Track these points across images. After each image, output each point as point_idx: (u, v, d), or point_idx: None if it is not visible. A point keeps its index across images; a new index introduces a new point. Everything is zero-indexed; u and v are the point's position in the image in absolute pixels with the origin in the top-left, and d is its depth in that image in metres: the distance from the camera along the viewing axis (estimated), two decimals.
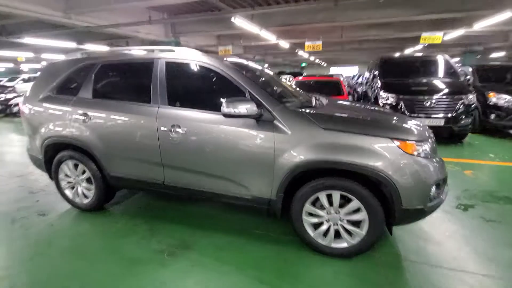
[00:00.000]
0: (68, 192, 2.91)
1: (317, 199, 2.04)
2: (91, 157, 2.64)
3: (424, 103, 5.08)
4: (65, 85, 2.77)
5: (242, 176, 2.20)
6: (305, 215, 2.11)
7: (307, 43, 9.96)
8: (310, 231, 2.13)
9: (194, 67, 2.37)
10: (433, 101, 5.04)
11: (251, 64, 3.02)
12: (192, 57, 2.37)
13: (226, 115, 2.00)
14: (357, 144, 1.90)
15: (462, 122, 5.05)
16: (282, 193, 2.08)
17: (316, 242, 2.13)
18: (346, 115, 2.28)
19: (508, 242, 2.29)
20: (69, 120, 2.63)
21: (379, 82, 6.02)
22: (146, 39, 8.71)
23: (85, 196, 2.86)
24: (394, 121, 2.25)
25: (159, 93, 2.37)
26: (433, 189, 1.95)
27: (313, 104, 2.51)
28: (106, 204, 3.00)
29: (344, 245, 2.09)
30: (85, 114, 2.58)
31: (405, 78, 5.81)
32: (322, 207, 2.07)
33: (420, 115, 5.10)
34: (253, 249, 2.25)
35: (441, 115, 5.04)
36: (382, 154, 1.86)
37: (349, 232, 2.06)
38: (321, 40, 9.80)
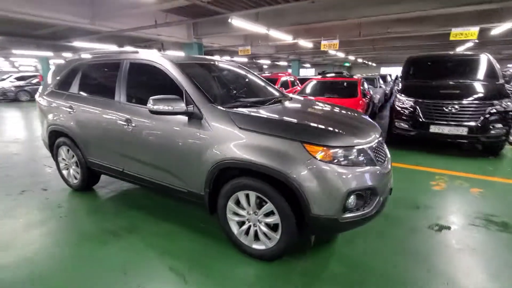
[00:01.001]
0: (64, 173, 3.43)
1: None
2: (76, 144, 3.08)
3: (444, 108, 4.47)
4: (62, 82, 3.27)
5: (179, 170, 2.33)
6: (229, 213, 2.14)
7: (323, 42, 9.49)
8: (234, 229, 2.16)
9: (148, 67, 2.57)
10: (456, 106, 4.40)
11: (222, 64, 3.12)
12: (149, 58, 2.57)
13: (152, 112, 2.14)
14: (268, 146, 1.86)
15: (493, 132, 4.30)
16: (208, 188, 2.15)
17: (240, 241, 2.15)
18: (266, 116, 2.09)
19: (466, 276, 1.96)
20: (62, 111, 3.11)
21: (400, 84, 5.50)
22: (168, 41, 9.17)
23: (75, 178, 3.33)
24: (321, 125, 2.01)
25: (120, 90, 2.66)
26: (351, 199, 1.81)
27: (267, 104, 2.49)
28: (95, 186, 3.46)
29: (263, 247, 2.06)
30: (71, 107, 3.02)
31: (430, 80, 5.18)
32: (244, 207, 2.08)
33: (439, 122, 4.51)
34: (185, 240, 2.37)
35: (464, 123, 4.38)
36: (290, 156, 1.79)
37: (266, 235, 2.03)
38: (338, 39, 9.23)
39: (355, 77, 7.01)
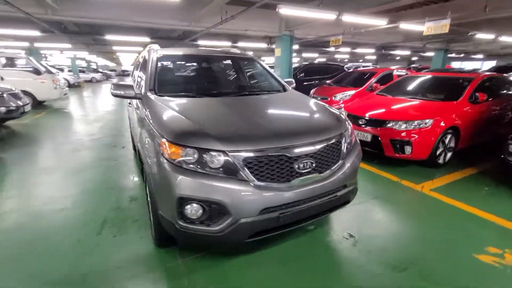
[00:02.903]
0: None
1: None
2: None
3: None
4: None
5: None
6: None
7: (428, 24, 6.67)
8: None
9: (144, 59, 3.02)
10: None
11: (207, 55, 3.35)
12: (148, 51, 3.06)
13: (113, 95, 2.43)
14: (147, 132, 2.08)
15: None
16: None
17: None
18: (166, 106, 2.14)
19: None
20: None
21: None
22: (256, 35, 8.90)
23: None
24: (208, 123, 1.88)
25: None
26: (190, 207, 1.64)
27: (222, 96, 2.64)
28: None
29: None
30: None
31: None
32: None
33: None
34: None
35: None
36: (153, 146, 1.89)
37: None
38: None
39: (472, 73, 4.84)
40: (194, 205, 1.65)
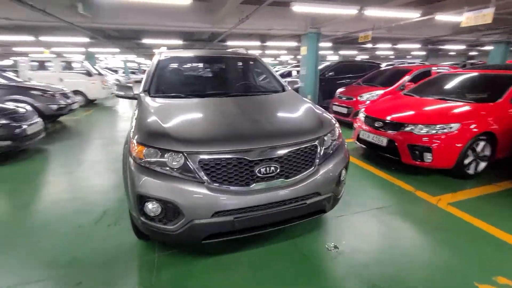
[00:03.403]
0: None
1: None
2: None
3: None
4: None
5: None
6: None
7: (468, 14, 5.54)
8: None
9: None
10: None
11: (210, 56, 3.45)
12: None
13: (115, 95, 2.63)
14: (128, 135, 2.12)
15: None
16: None
17: None
18: (153, 105, 2.30)
19: None
20: None
21: None
22: (280, 34, 8.68)
23: None
24: (175, 122, 1.94)
25: None
26: (150, 205, 1.72)
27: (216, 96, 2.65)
28: None
29: None
30: None
31: None
32: None
33: None
34: None
35: None
36: (128, 149, 1.95)
37: None
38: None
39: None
40: (153, 203, 1.70)
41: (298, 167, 1.88)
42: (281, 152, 1.81)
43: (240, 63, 3.54)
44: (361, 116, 4.40)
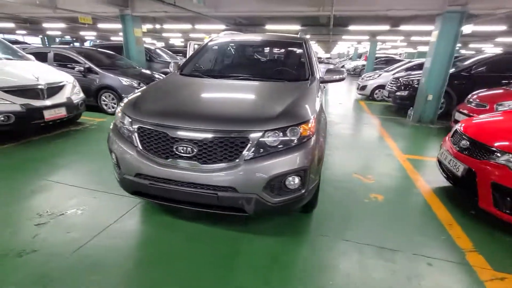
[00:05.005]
0: None
1: None
2: None
3: None
4: None
5: None
6: None
7: None
8: None
9: None
10: None
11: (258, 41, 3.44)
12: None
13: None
14: None
15: None
16: None
17: None
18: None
19: None
20: None
21: None
22: (403, 15, 6.48)
23: None
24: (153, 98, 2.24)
25: None
26: (112, 156, 2.17)
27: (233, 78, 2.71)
28: None
29: None
30: None
31: None
32: None
33: None
34: None
35: None
36: None
37: None
38: None
39: None
40: (112, 154, 2.12)
41: (218, 156, 1.79)
42: (204, 136, 1.78)
43: (285, 48, 3.35)
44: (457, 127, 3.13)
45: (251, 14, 7.65)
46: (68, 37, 25.41)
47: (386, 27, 9.94)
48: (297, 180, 1.85)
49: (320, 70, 3.19)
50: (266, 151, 1.78)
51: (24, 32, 21.82)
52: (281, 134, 1.82)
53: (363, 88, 9.65)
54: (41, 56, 6.37)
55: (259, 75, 2.80)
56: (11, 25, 14.72)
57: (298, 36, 3.41)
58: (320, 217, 2.48)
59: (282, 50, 3.48)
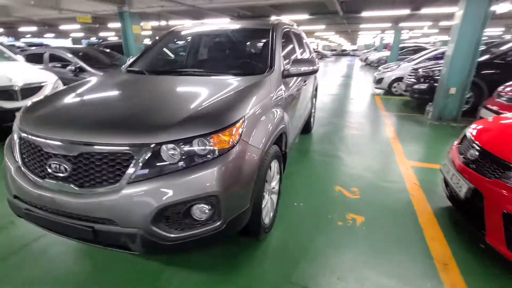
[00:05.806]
0: None
1: None
2: None
3: None
4: None
5: None
6: None
7: None
8: None
9: None
10: None
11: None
12: None
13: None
14: None
15: None
16: None
17: None
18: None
19: None
20: None
21: None
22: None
23: None
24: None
25: None
26: None
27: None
28: None
29: None
30: None
31: None
32: None
33: None
34: None
35: None
36: None
37: None
38: None
39: None
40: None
41: (97, 177, 1.34)
42: (77, 150, 1.34)
43: (248, 37, 2.85)
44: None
45: (246, 4, 7.16)
46: (94, 39, 26.57)
47: (406, 11, 8.82)
48: (207, 209, 1.37)
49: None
50: (160, 171, 1.32)
51: (52, 35, 23.12)
52: (185, 147, 1.34)
53: (379, 81, 8.69)
54: (37, 57, 6.42)
55: (207, 70, 2.33)
56: (33, 28, 15.50)
57: (270, 22, 2.86)
58: (272, 245, 1.97)
59: (245, 40, 2.97)
